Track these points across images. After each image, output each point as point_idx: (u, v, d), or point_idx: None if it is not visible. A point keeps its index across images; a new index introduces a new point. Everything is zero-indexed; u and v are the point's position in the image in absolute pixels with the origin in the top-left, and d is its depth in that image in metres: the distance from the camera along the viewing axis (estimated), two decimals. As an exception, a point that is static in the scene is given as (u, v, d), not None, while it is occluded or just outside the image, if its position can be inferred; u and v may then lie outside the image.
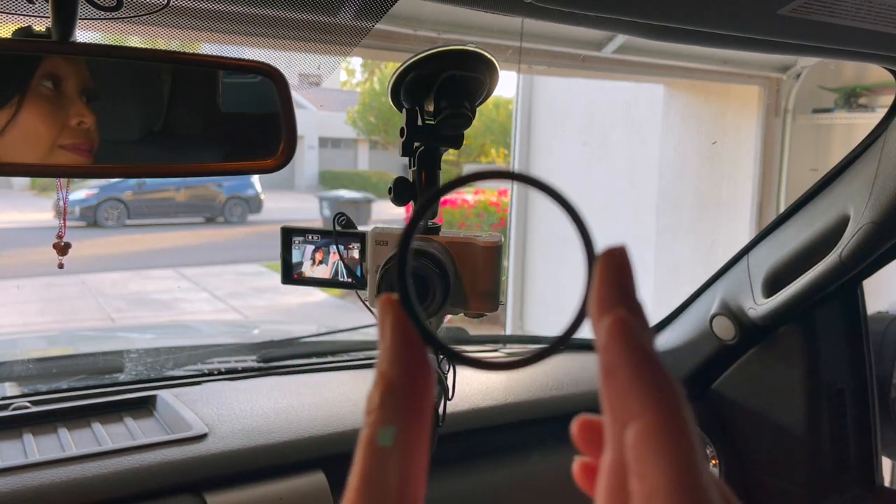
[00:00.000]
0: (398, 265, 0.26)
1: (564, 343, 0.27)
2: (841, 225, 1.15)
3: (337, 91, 15.55)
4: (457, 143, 0.82)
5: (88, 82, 0.62)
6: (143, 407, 1.15)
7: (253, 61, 0.65)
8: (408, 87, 0.79)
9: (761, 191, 3.47)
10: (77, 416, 1.10)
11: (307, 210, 10.92)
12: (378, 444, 0.25)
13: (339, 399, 1.19)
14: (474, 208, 7.06)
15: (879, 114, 1.13)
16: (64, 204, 0.89)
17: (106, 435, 1.04)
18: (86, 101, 0.62)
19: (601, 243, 0.26)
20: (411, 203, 0.84)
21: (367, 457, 0.25)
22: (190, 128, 0.70)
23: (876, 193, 1.09)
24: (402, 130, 0.81)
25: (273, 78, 0.65)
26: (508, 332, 4.31)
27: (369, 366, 1.38)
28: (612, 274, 0.25)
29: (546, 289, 4.57)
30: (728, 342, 1.35)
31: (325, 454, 1.06)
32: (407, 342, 0.26)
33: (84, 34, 0.65)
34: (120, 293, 6.43)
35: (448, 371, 0.86)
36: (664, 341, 1.50)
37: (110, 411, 1.12)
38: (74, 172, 0.75)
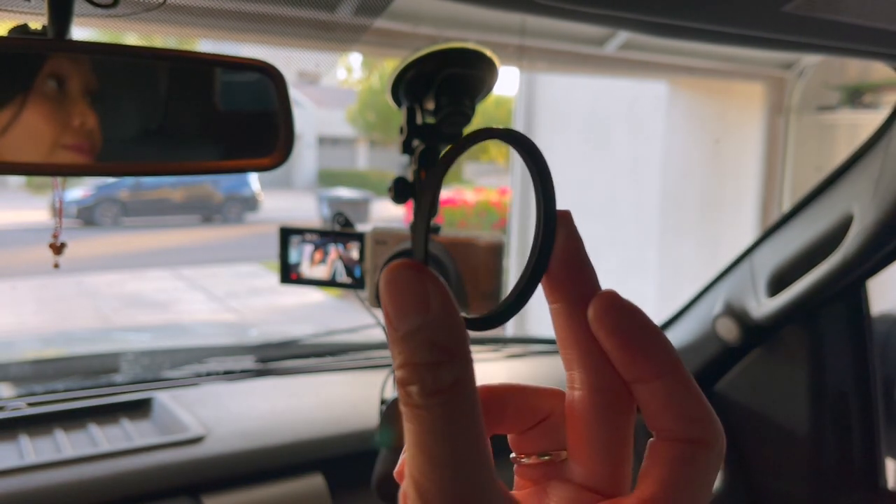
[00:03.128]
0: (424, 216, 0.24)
1: (527, 298, 0.26)
2: (845, 224, 1.15)
3: (336, 89, 15.58)
4: (457, 141, 0.81)
5: (92, 82, 0.62)
6: (140, 409, 1.15)
7: (250, 59, 0.65)
8: (407, 85, 0.79)
9: (765, 189, 3.46)
10: (73, 418, 1.10)
11: (305, 209, 10.92)
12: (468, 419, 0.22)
13: (338, 401, 1.19)
14: (475, 208, 7.07)
15: (884, 112, 1.13)
16: (60, 203, 0.88)
17: (102, 437, 1.04)
18: (88, 102, 0.61)
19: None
20: (411, 202, 0.83)
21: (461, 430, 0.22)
22: (188, 126, 0.70)
23: (881, 192, 1.09)
24: (401, 129, 0.81)
25: (271, 76, 0.64)
26: (509, 332, 4.30)
27: (368, 367, 1.38)
28: (576, 236, 0.26)
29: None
30: (731, 343, 1.34)
31: (324, 456, 1.06)
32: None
33: (80, 32, 0.64)
34: (116, 293, 6.43)
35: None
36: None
37: (107, 413, 1.12)
38: (75, 171, 0.74)
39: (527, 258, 0.26)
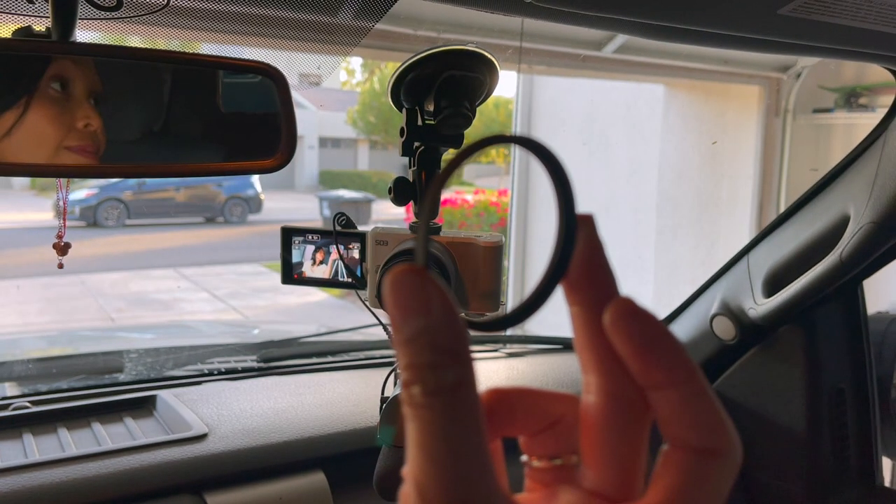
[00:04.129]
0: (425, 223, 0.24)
1: (543, 300, 0.26)
2: (841, 225, 1.15)
3: (337, 91, 15.57)
4: (457, 142, 0.82)
5: (96, 85, 0.62)
6: (143, 407, 1.15)
7: (253, 61, 0.65)
8: (408, 87, 0.79)
9: (761, 191, 3.47)
10: (77, 417, 1.10)
11: (307, 210, 10.93)
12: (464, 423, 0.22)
13: (340, 399, 1.19)
14: (474, 208, 7.06)
15: (880, 114, 1.13)
16: (64, 204, 0.89)
17: (106, 435, 1.04)
18: (92, 104, 0.62)
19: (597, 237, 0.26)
20: (411, 203, 0.84)
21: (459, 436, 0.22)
22: (191, 128, 0.70)
23: (876, 193, 1.09)
24: (401, 130, 0.81)
25: (273, 78, 0.65)
26: (508, 332, 4.30)
27: (369, 366, 1.38)
28: (597, 240, 0.26)
29: (546, 289, 4.55)
30: (728, 342, 1.35)
31: (326, 454, 1.07)
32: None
33: (84, 34, 0.65)
34: (120, 293, 6.44)
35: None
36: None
37: (110, 411, 1.13)
38: (79, 173, 0.75)
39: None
